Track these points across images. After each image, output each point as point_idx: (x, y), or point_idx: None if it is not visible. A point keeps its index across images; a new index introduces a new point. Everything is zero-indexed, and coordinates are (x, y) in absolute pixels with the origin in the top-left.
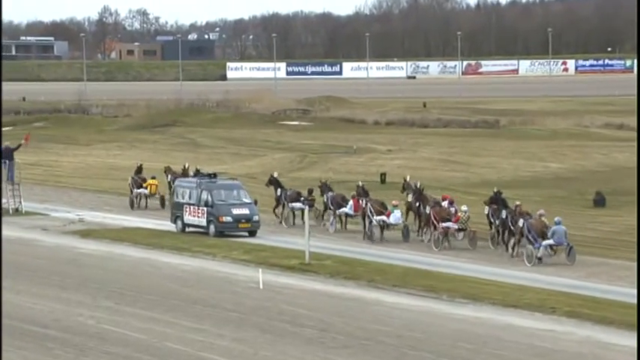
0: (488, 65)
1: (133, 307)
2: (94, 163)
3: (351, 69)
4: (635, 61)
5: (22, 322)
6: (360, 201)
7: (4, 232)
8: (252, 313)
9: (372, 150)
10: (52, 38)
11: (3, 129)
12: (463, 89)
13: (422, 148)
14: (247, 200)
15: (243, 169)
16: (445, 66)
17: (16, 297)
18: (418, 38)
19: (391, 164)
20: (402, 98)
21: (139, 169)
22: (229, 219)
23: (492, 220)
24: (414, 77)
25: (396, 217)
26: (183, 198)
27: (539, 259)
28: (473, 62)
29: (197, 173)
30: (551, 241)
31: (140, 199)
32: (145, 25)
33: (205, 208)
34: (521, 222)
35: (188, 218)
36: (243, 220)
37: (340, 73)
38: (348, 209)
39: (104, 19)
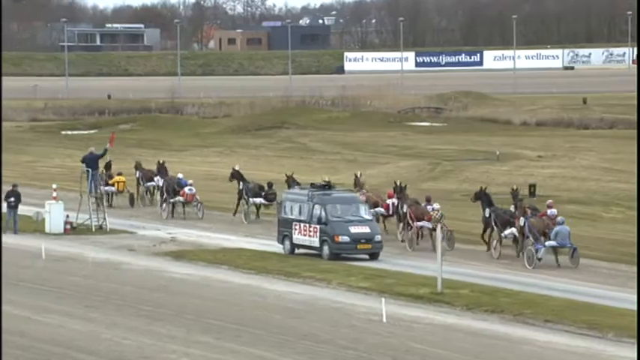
0: None
1: (234, 342)
2: (189, 172)
3: (493, 59)
4: None
5: None
6: None
7: (86, 253)
8: (373, 351)
9: (519, 156)
10: (141, 25)
11: (84, 132)
12: (633, 82)
13: (581, 153)
14: (368, 217)
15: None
16: (611, 54)
17: (105, 330)
18: (577, 21)
19: (542, 173)
20: (557, 93)
21: (108, 166)
22: (346, 239)
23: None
24: (572, 68)
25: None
26: (291, 213)
27: (540, 259)
28: None
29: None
30: (553, 243)
31: (110, 196)
32: (249, 9)
33: (318, 226)
34: (522, 221)
35: (297, 237)
36: (362, 241)
37: (480, 63)
38: None
39: (202, 2)
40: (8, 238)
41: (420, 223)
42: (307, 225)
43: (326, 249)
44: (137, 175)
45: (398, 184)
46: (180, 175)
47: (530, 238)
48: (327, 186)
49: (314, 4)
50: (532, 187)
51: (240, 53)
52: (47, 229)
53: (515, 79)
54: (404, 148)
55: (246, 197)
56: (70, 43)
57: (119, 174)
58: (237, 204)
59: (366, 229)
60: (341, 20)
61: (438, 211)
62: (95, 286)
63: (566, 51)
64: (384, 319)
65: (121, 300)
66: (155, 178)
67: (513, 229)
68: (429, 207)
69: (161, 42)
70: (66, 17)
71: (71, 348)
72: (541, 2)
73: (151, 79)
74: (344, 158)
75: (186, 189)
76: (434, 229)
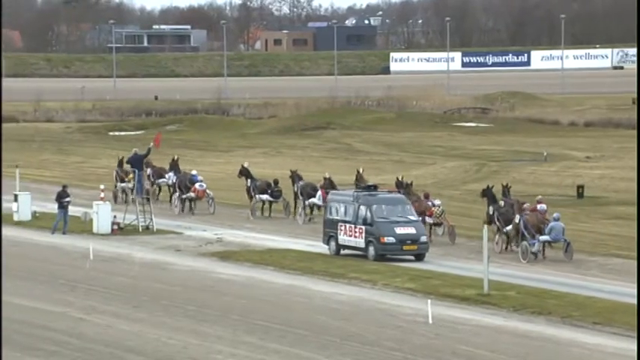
0: None
1: (280, 343)
2: (235, 173)
3: (541, 59)
4: None
5: None
6: (328, 193)
7: (134, 253)
8: (418, 352)
9: (567, 157)
10: (188, 27)
11: (131, 133)
12: None
13: (630, 154)
14: (413, 218)
15: (407, 179)
16: None
17: (152, 330)
18: (627, 20)
19: (591, 174)
20: (606, 93)
21: (121, 162)
22: (392, 240)
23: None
24: (622, 67)
25: None
26: (337, 214)
27: (535, 254)
28: None
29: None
30: (547, 237)
31: (125, 193)
32: (295, 10)
33: (363, 227)
34: (517, 218)
35: (343, 238)
36: (408, 242)
37: (528, 63)
38: (317, 200)
39: (248, 3)
40: (58, 239)
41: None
42: (353, 226)
43: (371, 250)
44: (148, 172)
45: (400, 179)
46: (194, 172)
47: (526, 234)
48: (373, 187)
49: (360, 5)
50: (580, 189)
51: (285, 54)
52: (95, 230)
53: (563, 79)
54: (450, 149)
55: (252, 194)
56: (117, 45)
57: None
58: (250, 200)
59: (411, 230)
60: (387, 20)
61: (439, 207)
62: (142, 286)
63: (616, 50)
64: (430, 321)
65: (168, 300)
66: (166, 175)
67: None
68: (429, 203)
69: (208, 43)
70: (114, 19)
71: (119, 348)
72: (590, 1)
73: (197, 80)
74: (390, 159)
75: (197, 185)
76: (435, 224)
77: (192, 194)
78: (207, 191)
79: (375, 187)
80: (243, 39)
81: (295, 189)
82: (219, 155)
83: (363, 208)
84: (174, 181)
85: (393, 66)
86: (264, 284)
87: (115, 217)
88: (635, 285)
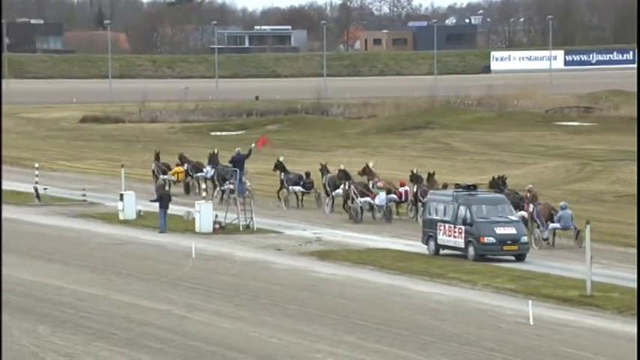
0: None
1: (379, 343)
2: (334, 173)
3: None
4: None
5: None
6: (345, 185)
7: (235, 252)
8: (519, 354)
9: None
10: (289, 27)
11: (232, 133)
12: None
13: None
14: (514, 218)
15: (508, 179)
16: None
17: (253, 329)
18: None
19: None
20: None
21: (157, 156)
22: (492, 240)
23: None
24: None
25: (380, 198)
26: (436, 214)
27: (546, 239)
28: None
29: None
30: (557, 225)
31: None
32: (394, 10)
33: (463, 227)
34: (531, 207)
35: (442, 238)
36: (509, 242)
37: (633, 61)
38: (341, 192)
39: (348, 3)
40: (161, 237)
41: None
42: (452, 226)
43: (471, 250)
44: (185, 167)
45: (415, 171)
46: None
47: (539, 222)
48: (473, 186)
49: (460, 4)
50: None
51: (385, 54)
52: (197, 229)
53: None
54: (551, 148)
55: (286, 185)
56: (220, 46)
57: (177, 165)
58: (279, 191)
59: (512, 230)
60: (488, 19)
61: None
62: (243, 285)
63: None
64: (531, 322)
65: (269, 299)
66: (205, 169)
67: (523, 212)
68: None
69: (308, 43)
70: (217, 20)
71: (221, 346)
72: None
73: (297, 80)
74: (490, 159)
75: None
76: None
77: (231, 186)
78: (247, 183)
79: (474, 187)
80: (342, 39)
81: (323, 181)
82: (319, 155)
83: (462, 207)
84: (212, 174)
85: (494, 65)
86: (363, 284)
87: (216, 216)
88: None
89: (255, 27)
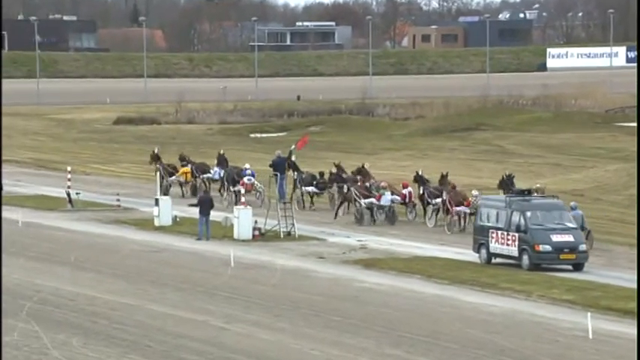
0: None
1: (427, 356)
2: (379, 176)
3: None
4: None
5: None
6: (343, 188)
7: (275, 260)
8: None
9: None
10: (332, 23)
11: (272, 135)
12: None
13: None
14: (571, 225)
15: (566, 183)
16: None
17: (294, 340)
18: None
19: None
20: None
21: (157, 157)
22: (548, 248)
23: None
24: None
25: (386, 198)
26: (488, 220)
27: None
28: None
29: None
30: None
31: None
32: (444, 4)
33: (517, 234)
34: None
35: (495, 246)
36: (566, 250)
37: None
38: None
39: None
40: (199, 245)
41: (458, 208)
42: (505, 233)
43: (525, 259)
44: (190, 167)
45: (420, 173)
46: (246, 165)
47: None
48: (527, 192)
49: None
50: None
51: (434, 51)
52: (235, 235)
53: None
54: (612, 151)
55: (299, 185)
56: (260, 43)
57: (183, 165)
58: (292, 192)
59: (569, 238)
60: (544, 14)
61: (477, 197)
62: (284, 294)
63: None
64: (590, 336)
65: (310, 309)
66: (212, 170)
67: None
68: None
69: (352, 40)
70: (257, 16)
71: (260, 358)
72: None
73: (341, 79)
74: (546, 162)
75: (245, 179)
76: (472, 214)
77: (240, 188)
78: (256, 184)
79: (528, 192)
80: (389, 35)
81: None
82: (363, 158)
83: (516, 214)
84: (220, 175)
85: (550, 62)
86: (410, 294)
87: (255, 222)
88: None
89: (297, 23)
